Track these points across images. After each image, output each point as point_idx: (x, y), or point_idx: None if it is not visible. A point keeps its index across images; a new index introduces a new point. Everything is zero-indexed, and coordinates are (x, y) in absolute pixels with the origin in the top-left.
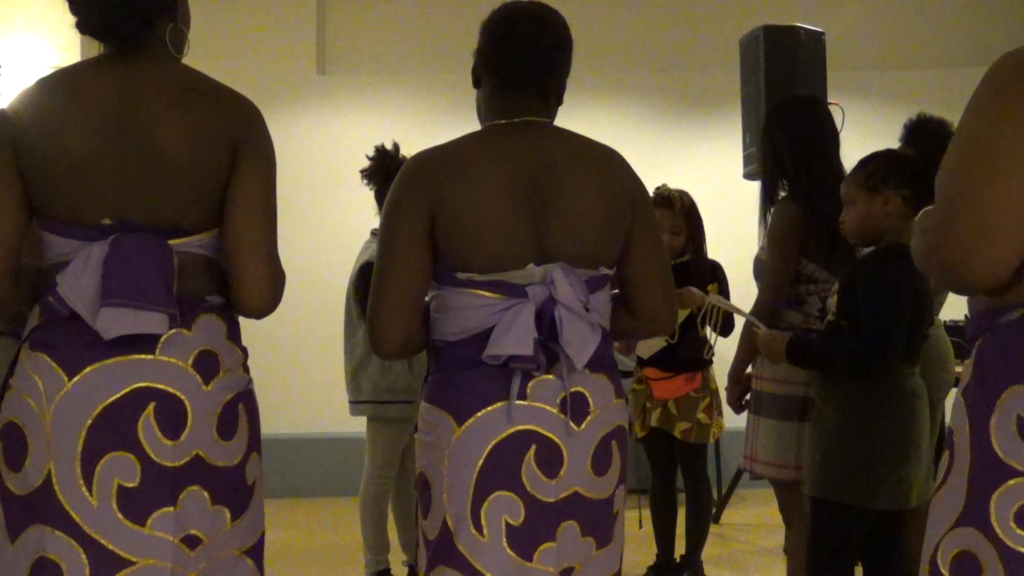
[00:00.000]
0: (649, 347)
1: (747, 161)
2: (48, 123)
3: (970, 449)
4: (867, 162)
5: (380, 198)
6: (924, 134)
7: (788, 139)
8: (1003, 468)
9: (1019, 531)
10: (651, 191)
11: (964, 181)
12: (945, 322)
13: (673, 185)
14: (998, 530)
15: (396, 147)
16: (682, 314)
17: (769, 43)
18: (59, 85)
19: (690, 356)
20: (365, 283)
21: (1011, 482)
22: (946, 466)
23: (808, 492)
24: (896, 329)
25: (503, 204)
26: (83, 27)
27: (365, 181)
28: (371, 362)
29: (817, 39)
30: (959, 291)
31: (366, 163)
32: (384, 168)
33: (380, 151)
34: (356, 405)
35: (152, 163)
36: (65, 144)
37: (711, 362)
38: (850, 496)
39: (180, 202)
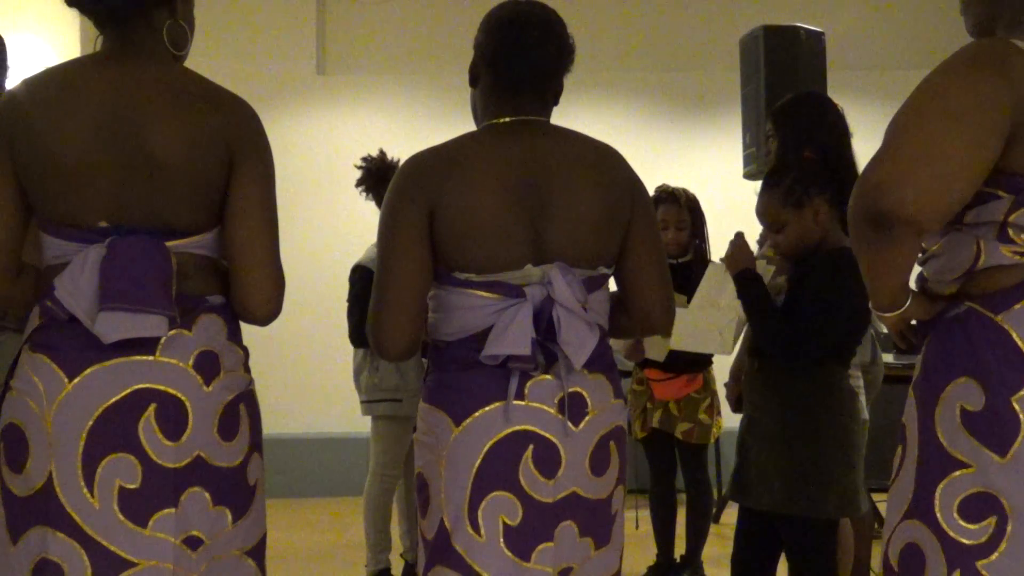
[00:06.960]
0: (659, 349)
1: (747, 161)
2: (42, 124)
3: (919, 443)
4: (777, 179)
5: (379, 201)
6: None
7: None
8: (948, 460)
9: (962, 522)
10: (651, 191)
11: (924, 125)
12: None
13: (673, 184)
14: (941, 521)
15: (382, 153)
16: None
17: (769, 43)
18: (53, 84)
19: (691, 356)
20: (352, 285)
21: (956, 474)
22: (899, 460)
23: (754, 505)
24: (830, 326)
25: (501, 204)
26: None
27: (363, 192)
28: (366, 363)
29: (817, 39)
30: (882, 216)
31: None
32: (376, 173)
33: (368, 159)
34: (362, 404)
35: (147, 166)
36: (59, 146)
37: (711, 362)
38: (797, 507)
39: (176, 205)
